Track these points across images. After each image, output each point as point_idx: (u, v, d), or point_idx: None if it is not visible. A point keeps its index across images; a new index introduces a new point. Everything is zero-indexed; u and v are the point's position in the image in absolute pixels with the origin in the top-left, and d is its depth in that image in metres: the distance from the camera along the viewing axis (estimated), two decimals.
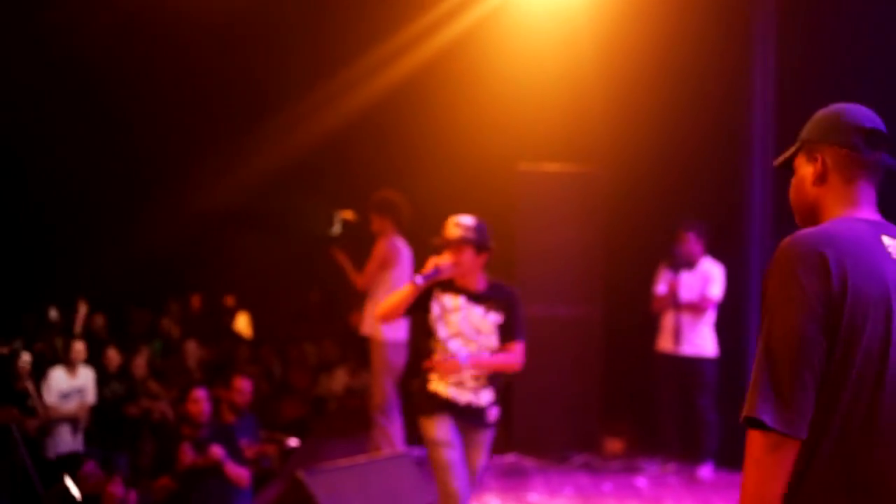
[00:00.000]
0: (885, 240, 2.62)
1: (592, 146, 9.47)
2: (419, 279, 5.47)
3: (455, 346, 5.49)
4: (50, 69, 10.73)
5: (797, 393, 2.43)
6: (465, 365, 5.41)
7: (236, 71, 11.03)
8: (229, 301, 13.87)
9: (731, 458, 8.81)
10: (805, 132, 2.79)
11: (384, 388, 8.17)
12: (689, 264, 8.74)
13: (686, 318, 8.72)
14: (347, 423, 10.15)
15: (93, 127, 11.36)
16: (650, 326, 9.01)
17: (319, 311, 13.51)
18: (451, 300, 5.55)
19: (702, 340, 8.72)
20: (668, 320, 8.82)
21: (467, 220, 5.57)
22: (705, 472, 8.66)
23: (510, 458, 8.99)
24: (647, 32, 9.14)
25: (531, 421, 9.19)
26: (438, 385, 5.53)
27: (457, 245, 5.47)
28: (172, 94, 11.30)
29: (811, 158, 2.75)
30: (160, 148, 11.92)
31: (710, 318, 8.73)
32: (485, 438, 5.62)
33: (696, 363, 8.72)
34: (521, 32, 9.73)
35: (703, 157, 9.09)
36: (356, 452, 8.09)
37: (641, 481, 8.53)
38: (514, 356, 5.55)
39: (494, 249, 5.59)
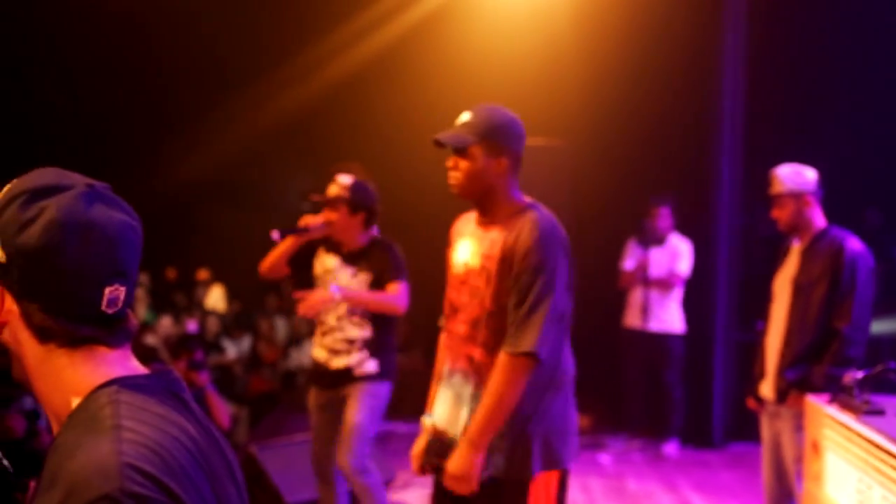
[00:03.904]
0: None
1: (562, 120, 9.33)
2: (276, 234, 5.33)
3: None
4: (16, 42, 10.60)
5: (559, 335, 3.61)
6: (337, 297, 5.23)
7: (204, 45, 10.90)
8: (202, 274, 13.77)
9: (696, 436, 8.80)
10: (484, 130, 3.64)
11: None
12: (659, 240, 8.68)
13: (654, 294, 8.66)
14: None
15: (61, 101, 11.25)
16: (617, 302, 8.94)
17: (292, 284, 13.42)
18: (329, 260, 5.49)
19: (670, 317, 8.67)
20: (635, 296, 8.76)
21: (345, 178, 5.48)
22: (670, 448, 8.62)
23: None
24: (620, 10, 9.03)
25: None
26: (317, 351, 5.51)
27: (332, 203, 5.41)
28: (141, 69, 11.17)
29: (493, 155, 3.65)
30: (130, 123, 11.80)
31: (677, 294, 8.67)
32: (355, 392, 5.41)
33: (663, 340, 8.67)
34: (494, 9, 9.61)
35: (670, 133, 9.01)
36: None
37: (605, 458, 8.49)
38: (394, 296, 5.35)
39: (379, 211, 5.52)
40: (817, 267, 5.19)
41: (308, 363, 11.36)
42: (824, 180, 5.35)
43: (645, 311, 8.65)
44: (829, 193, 5.41)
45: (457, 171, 3.69)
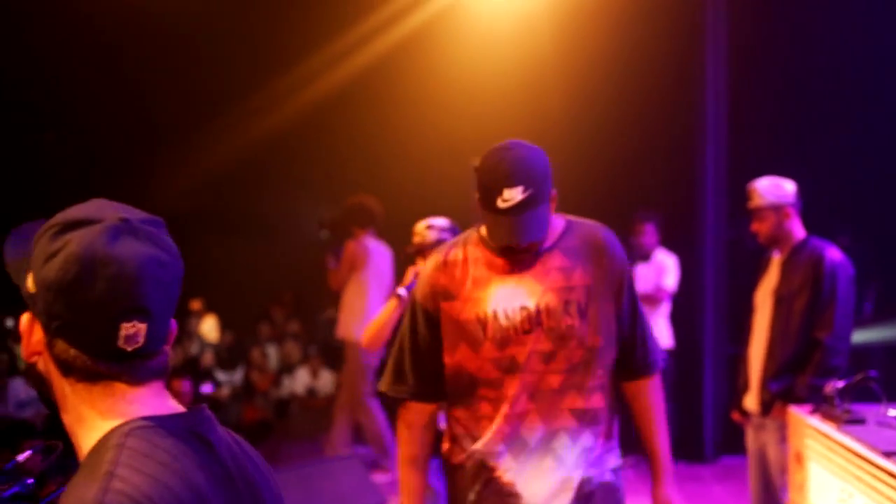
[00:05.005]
0: None
1: (545, 136, 9.31)
2: (403, 291, 5.00)
3: None
4: None
5: None
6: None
7: (194, 68, 10.92)
8: (195, 304, 13.76)
9: (687, 450, 8.80)
10: (545, 192, 3.13)
11: (359, 389, 8.23)
12: (645, 256, 8.70)
13: None
14: (309, 425, 10.11)
15: (52, 128, 11.29)
16: None
17: (283, 312, 13.43)
18: None
19: (658, 332, 8.67)
20: None
21: (440, 221, 5.13)
22: None
23: None
24: (602, 25, 9.08)
25: None
26: None
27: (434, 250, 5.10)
28: (131, 94, 11.19)
29: (551, 201, 3.20)
30: (119, 150, 11.82)
31: (664, 309, 8.68)
32: None
33: None
34: (477, 26, 9.68)
35: (654, 148, 9.04)
36: (316, 454, 8.07)
37: None
38: None
39: None
40: (798, 278, 5.22)
41: (300, 391, 11.40)
42: (806, 192, 5.38)
43: None
44: (809, 206, 5.45)
45: (533, 247, 3.25)
